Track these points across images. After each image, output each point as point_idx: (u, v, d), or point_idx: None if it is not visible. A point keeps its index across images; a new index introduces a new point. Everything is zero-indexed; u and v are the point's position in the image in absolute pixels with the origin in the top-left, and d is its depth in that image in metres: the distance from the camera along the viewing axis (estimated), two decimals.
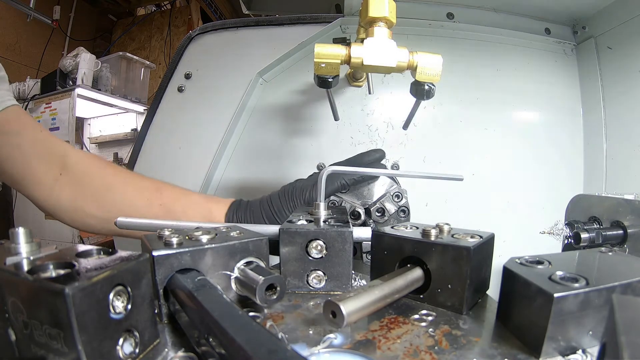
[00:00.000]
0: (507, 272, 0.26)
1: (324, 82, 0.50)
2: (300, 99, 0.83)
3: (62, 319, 0.17)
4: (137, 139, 0.88)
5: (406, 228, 0.33)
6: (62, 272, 0.20)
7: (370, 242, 0.33)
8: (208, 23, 0.89)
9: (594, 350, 0.23)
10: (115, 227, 0.40)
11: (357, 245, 0.51)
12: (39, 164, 0.53)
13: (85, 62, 2.31)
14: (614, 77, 0.79)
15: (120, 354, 0.20)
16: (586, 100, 0.85)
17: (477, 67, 0.84)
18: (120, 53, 2.62)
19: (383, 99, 0.83)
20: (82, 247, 0.23)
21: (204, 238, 0.28)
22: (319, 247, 0.32)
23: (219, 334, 0.19)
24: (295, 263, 0.32)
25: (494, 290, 0.29)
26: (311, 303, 0.31)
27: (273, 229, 0.36)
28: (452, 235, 0.30)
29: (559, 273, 0.23)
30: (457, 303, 0.28)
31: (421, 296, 0.30)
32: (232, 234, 0.30)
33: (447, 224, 0.31)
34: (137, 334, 0.21)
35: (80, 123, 2.73)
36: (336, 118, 0.66)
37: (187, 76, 0.85)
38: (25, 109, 2.20)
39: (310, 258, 0.32)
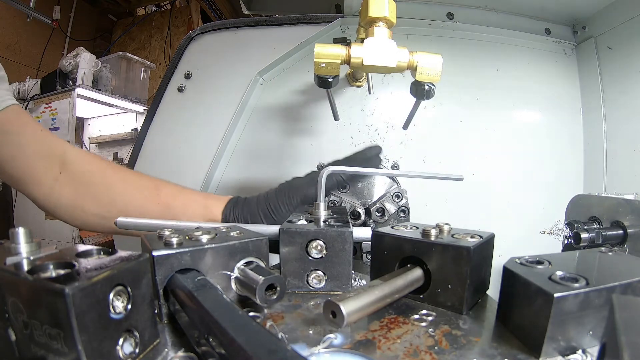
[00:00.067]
0: (507, 272, 0.26)
1: (324, 82, 0.50)
2: (300, 99, 0.83)
3: (62, 319, 0.17)
4: (137, 139, 0.88)
5: (406, 228, 0.33)
6: (62, 272, 0.20)
7: (370, 242, 0.33)
8: (208, 23, 0.89)
9: (594, 350, 0.23)
10: (115, 225, 0.40)
11: (357, 245, 0.51)
12: (39, 163, 0.53)
13: (85, 62, 2.31)
14: (614, 77, 0.79)
15: (120, 354, 0.20)
16: (586, 100, 0.85)
17: (477, 67, 0.84)
18: (120, 53, 2.62)
19: (383, 99, 0.83)
20: (82, 247, 0.23)
21: (204, 238, 0.28)
22: (319, 247, 0.32)
23: (219, 334, 0.19)
24: (295, 263, 0.32)
25: (494, 290, 0.29)
26: (311, 303, 0.31)
27: (273, 228, 0.36)
28: (452, 235, 0.30)
29: (559, 273, 0.23)
30: (457, 303, 0.28)
31: (421, 296, 0.30)
32: (232, 234, 0.30)
33: (447, 224, 0.31)
34: (137, 334, 0.21)
35: (80, 123, 2.73)
36: (336, 118, 0.66)
37: (187, 76, 0.85)
38: (25, 109, 2.20)
39: (310, 258, 0.32)
